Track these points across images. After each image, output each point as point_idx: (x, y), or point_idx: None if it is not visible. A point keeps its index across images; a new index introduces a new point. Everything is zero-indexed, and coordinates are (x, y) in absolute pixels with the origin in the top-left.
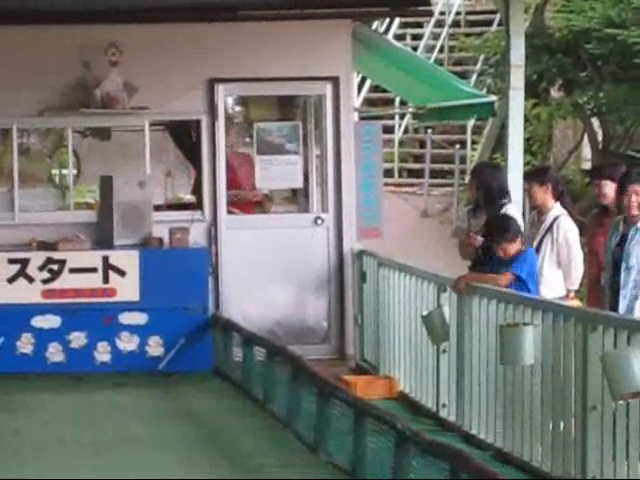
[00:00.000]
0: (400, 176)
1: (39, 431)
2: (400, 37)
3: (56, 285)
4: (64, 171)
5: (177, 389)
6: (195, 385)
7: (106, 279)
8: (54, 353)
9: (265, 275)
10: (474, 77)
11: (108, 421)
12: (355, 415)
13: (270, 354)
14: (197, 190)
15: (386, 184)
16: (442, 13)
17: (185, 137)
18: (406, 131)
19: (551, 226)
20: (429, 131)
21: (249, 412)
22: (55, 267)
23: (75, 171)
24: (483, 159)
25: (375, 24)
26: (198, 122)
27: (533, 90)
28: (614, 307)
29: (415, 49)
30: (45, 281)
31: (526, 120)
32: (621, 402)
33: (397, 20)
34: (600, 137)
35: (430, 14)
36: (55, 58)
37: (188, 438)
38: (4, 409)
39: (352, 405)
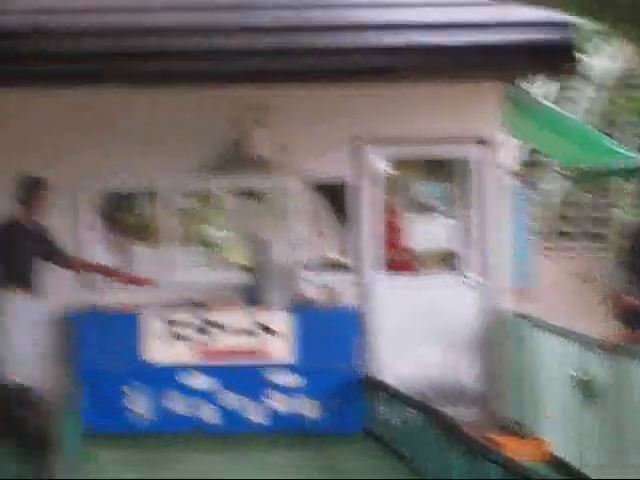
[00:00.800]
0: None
1: None
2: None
3: (210, 345)
4: (217, 232)
5: (329, 450)
6: (347, 446)
7: (260, 340)
8: (208, 414)
9: (416, 335)
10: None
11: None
12: (506, 476)
13: (421, 415)
14: (348, 250)
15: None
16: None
17: (335, 198)
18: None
19: None
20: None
21: (400, 472)
22: (209, 328)
23: (228, 232)
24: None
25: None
26: (347, 183)
27: None
28: None
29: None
30: (198, 341)
31: None
32: None
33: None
34: None
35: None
36: (208, 119)
37: None
38: (155, 469)
39: (504, 466)
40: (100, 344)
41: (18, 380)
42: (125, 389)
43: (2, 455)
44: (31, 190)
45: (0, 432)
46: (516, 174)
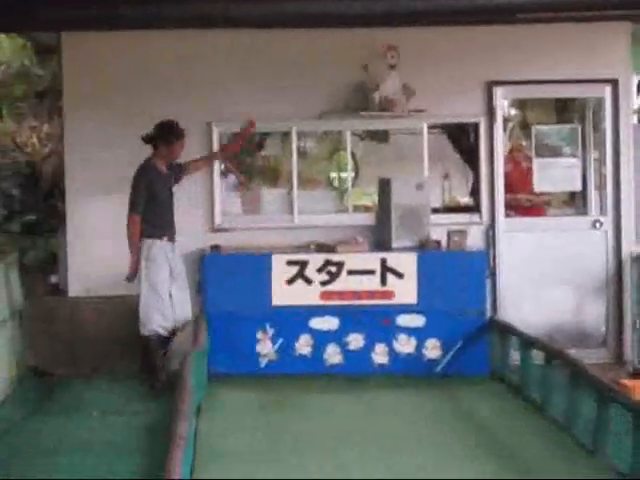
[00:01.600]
0: None
1: (317, 431)
2: None
3: (334, 287)
4: (342, 174)
5: (454, 391)
6: (472, 388)
7: (384, 281)
8: (332, 355)
9: (542, 278)
10: None
11: (387, 422)
12: (635, 419)
13: (548, 357)
14: (475, 193)
15: None
16: None
17: (463, 140)
18: None
19: None
20: None
21: (526, 415)
22: (333, 269)
23: (353, 174)
24: None
25: None
26: (476, 125)
27: None
28: None
29: None
30: (323, 283)
31: None
32: None
33: None
34: None
35: None
36: (334, 61)
37: (466, 439)
38: (281, 409)
39: (632, 409)
40: (226, 286)
41: (157, 325)
42: (250, 330)
43: (137, 395)
44: (169, 136)
45: (137, 375)
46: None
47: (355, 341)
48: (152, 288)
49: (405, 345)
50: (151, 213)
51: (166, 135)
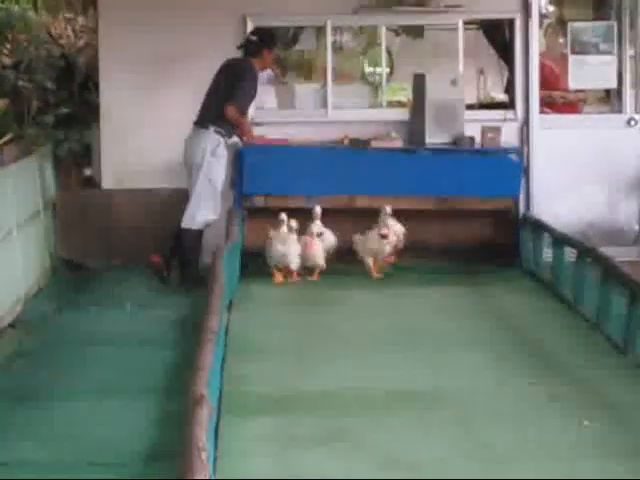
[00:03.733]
0: None
1: (348, 326)
2: None
3: None
4: (377, 69)
5: (486, 287)
6: (504, 284)
7: None
8: None
9: (576, 176)
10: None
11: (418, 316)
12: None
13: (580, 255)
14: (510, 89)
15: None
16: None
17: (498, 36)
18: None
19: None
20: None
21: (558, 312)
22: None
23: (388, 69)
24: None
25: None
26: (512, 21)
27: None
28: None
29: None
30: None
31: None
32: None
33: None
34: None
35: None
36: None
37: (496, 335)
38: (314, 304)
39: None
40: (262, 177)
41: (204, 220)
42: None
43: (171, 288)
44: (271, 44)
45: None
46: None
47: None
48: (210, 183)
49: None
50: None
51: (269, 43)
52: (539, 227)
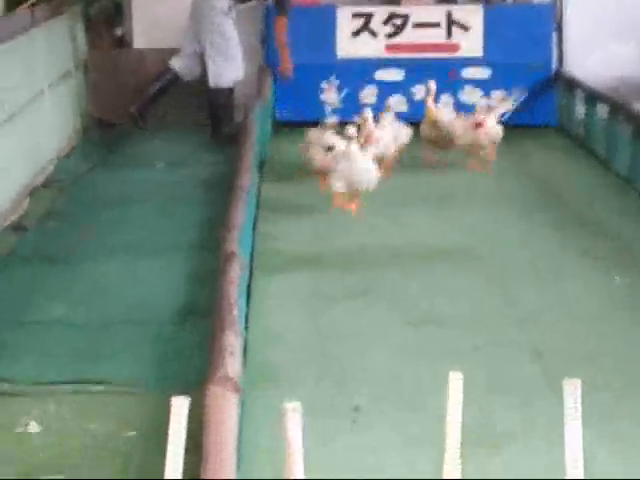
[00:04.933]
0: None
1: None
2: None
3: (400, 40)
4: None
5: (520, 143)
6: (537, 140)
7: (449, 34)
8: (397, 104)
9: (609, 32)
10: None
11: (451, 175)
12: None
13: (613, 111)
14: None
15: None
16: None
17: None
18: None
19: None
20: None
21: (591, 168)
22: (399, 22)
23: None
24: None
25: None
26: None
27: None
28: None
29: None
30: (389, 35)
31: None
32: None
33: None
34: None
35: None
36: None
37: (528, 192)
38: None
39: None
40: (291, 37)
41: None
42: (316, 82)
43: (203, 147)
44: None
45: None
46: None
47: (420, 92)
48: (229, 40)
49: (471, 95)
50: None
51: None
52: (572, 83)
